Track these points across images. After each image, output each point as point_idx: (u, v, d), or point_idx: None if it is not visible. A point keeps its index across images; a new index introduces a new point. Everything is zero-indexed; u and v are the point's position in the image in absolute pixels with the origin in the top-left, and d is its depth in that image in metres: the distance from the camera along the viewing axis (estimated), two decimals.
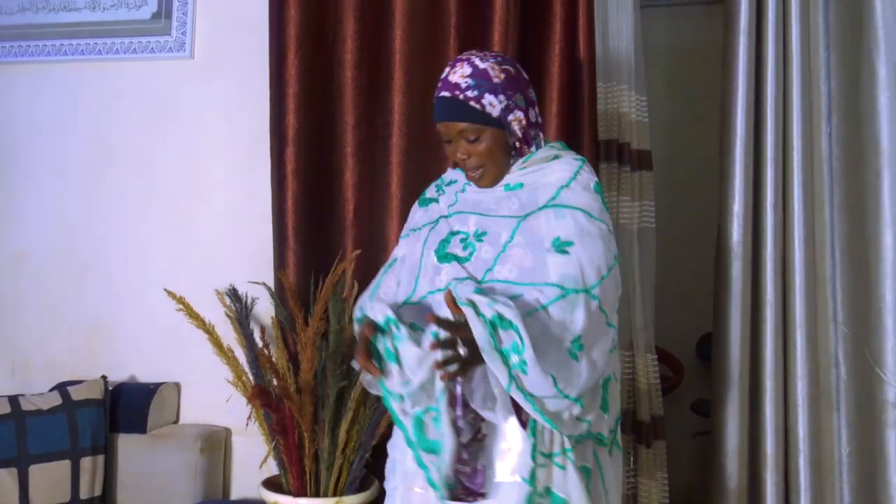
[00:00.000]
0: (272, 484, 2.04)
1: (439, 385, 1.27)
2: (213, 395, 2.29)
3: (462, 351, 1.22)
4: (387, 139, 2.23)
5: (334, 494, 1.97)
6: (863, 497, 1.94)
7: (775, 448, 1.94)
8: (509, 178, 1.45)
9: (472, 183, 1.48)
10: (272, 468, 2.12)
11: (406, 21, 2.20)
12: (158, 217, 2.47)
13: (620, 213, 2.07)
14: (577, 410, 1.27)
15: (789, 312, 1.96)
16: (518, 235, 1.37)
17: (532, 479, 1.27)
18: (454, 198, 1.49)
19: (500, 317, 1.22)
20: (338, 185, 2.26)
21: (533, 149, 1.46)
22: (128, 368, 2.46)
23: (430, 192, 1.57)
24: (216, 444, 2.32)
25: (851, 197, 1.98)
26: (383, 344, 1.31)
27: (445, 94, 1.41)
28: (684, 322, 3.12)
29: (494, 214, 1.41)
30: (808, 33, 1.98)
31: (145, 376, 2.45)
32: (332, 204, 2.26)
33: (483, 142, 1.40)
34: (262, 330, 2.12)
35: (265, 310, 2.26)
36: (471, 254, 1.39)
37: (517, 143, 1.44)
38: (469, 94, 1.39)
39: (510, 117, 1.41)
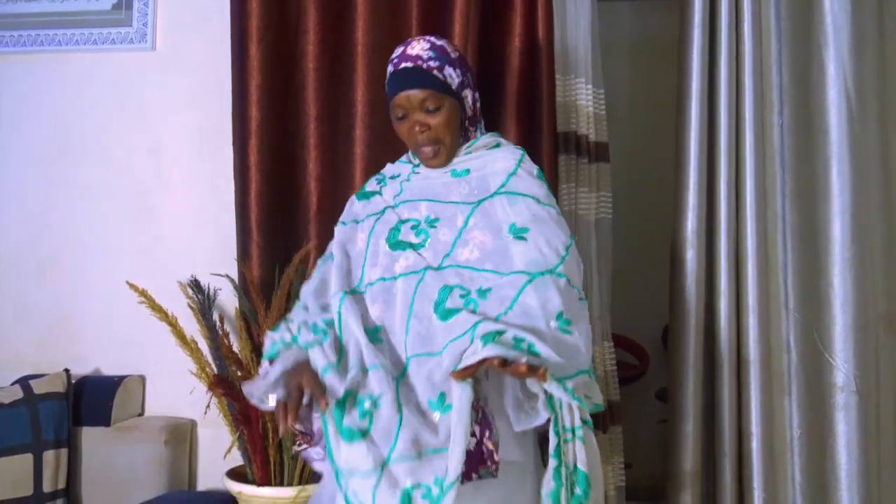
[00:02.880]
0: (237, 474, 2.05)
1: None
2: (178, 388, 2.29)
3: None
4: (350, 131, 2.24)
5: (299, 484, 1.99)
6: (813, 477, 1.99)
7: (729, 431, 1.99)
8: (455, 164, 1.49)
9: (418, 169, 1.50)
10: (239, 459, 2.14)
11: (368, 12, 2.21)
12: (122, 210, 2.46)
13: (578, 204, 2.10)
14: (590, 379, 1.31)
15: (742, 299, 2.00)
16: (473, 218, 1.41)
17: (557, 453, 1.27)
18: (399, 188, 1.52)
19: (497, 333, 1.24)
20: (301, 177, 2.27)
21: (477, 133, 1.54)
22: (93, 362, 2.46)
23: (371, 185, 1.59)
24: (181, 437, 2.32)
25: (802, 187, 2.03)
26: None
27: (407, 64, 1.46)
28: (650, 311, 3.16)
29: (446, 200, 1.45)
30: (760, 28, 2.02)
31: (110, 369, 2.44)
32: (296, 195, 2.27)
33: (442, 112, 1.44)
34: (222, 320, 2.12)
35: (230, 301, 2.27)
36: (424, 240, 1.41)
37: (466, 123, 1.51)
38: (431, 63, 1.44)
39: (465, 92, 1.49)
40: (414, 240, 1.42)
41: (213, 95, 2.37)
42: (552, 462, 1.28)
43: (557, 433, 1.28)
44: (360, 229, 1.51)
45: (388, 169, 1.61)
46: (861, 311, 1.96)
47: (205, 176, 2.42)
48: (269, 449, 1.98)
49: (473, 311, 1.31)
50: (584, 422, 1.30)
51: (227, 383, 1.89)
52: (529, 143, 2.09)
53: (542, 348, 1.23)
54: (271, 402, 1.30)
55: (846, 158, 1.97)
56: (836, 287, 1.97)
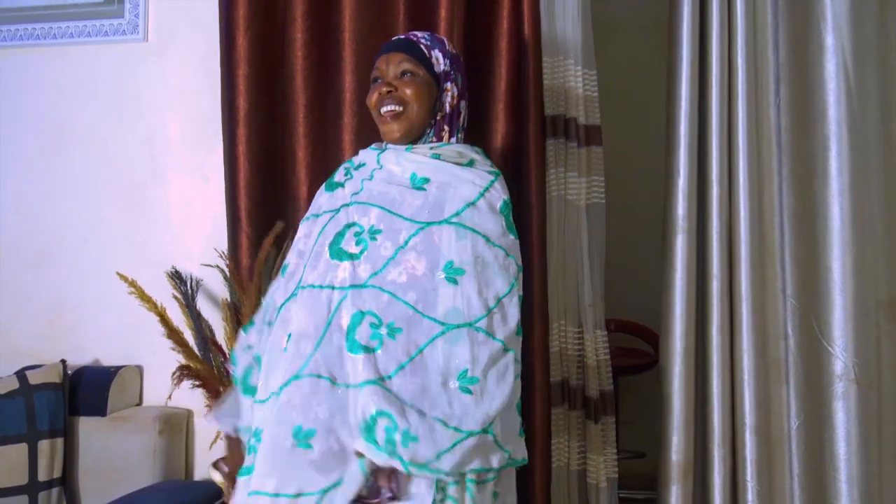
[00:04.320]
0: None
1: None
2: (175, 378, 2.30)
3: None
4: (338, 119, 2.21)
5: None
6: (812, 468, 1.93)
7: (721, 421, 1.93)
8: (418, 165, 1.42)
9: (383, 158, 1.46)
10: None
11: None
12: (116, 201, 2.47)
13: (568, 189, 2.05)
14: (489, 440, 1.25)
15: (735, 285, 1.94)
16: (415, 239, 1.35)
17: None
18: (359, 185, 1.46)
19: (371, 419, 1.24)
20: (290, 166, 2.25)
21: (452, 140, 1.48)
22: (91, 352, 2.47)
23: (339, 175, 1.54)
24: (176, 426, 2.33)
25: (800, 167, 1.95)
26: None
27: (400, 37, 1.51)
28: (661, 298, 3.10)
29: (397, 213, 1.38)
30: (755, 4, 1.95)
31: (109, 360, 2.46)
32: (285, 184, 2.25)
33: (416, 82, 1.43)
34: (191, 311, 2.11)
35: (222, 292, 2.27)
36: (362, 251, 1.36)
37: (440, 117, 1.46)
38: (423, 41, 1.48)
39: (448, 84, 1.47)
40: (353, 249, 1.37)
41: (205, 85, 2.36)
42: None
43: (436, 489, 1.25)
44: (315, 224, 1.47)
45: (358, 156, 1.56)
46: (860, 298, 1.88)
47: (198, 166, 2.42)
48: None
49: (374, 350, 1.28)
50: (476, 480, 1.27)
51: (194, 373, 1.88)
52: (517, 127, 2.06)
53: (419, 431, 1.21)
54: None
55: (845, 137, 1.89)
56: (835, 272, 1.90)
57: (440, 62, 1.46)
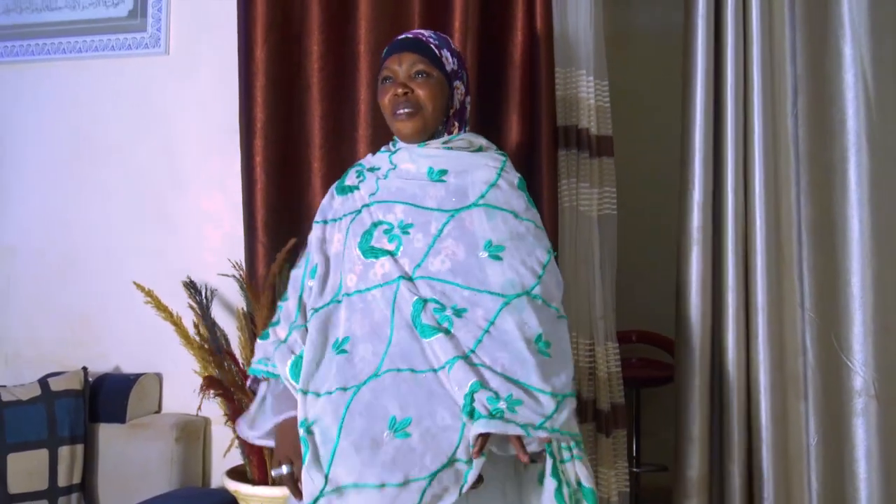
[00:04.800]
0: (238, 473, 2.07)
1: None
2: (193, 386, 2.32)
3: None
4: (353, 131, 2.23)
5: None
6: (831, 486, 1.89)
7: (738, 436, 1.90)
8: (432, 159, 1.44)
9: (395, 158, 1.47)
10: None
11: (370, 10, 2.19)
12: (138, 211, 2.51)
13: (580, 200, 2.03)
14: (573, 402, 1.27)
15: (751, 298, 1.91)
16: (448, 227, 1.37)
17: (556, 473, 1.24)
18: (375, 185, 1.47)
19: (467, 397, 1.22)
20: (306, 177, 2.27)
21: (461, 131, 1.52)
22: (113, 360, 2.52)
23: (350, 178, 1.54)
24: (193, 434, 2.35)
25: (818, 178, 1.92)
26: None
27: (408, 35, 1.51)
28: None
29: (421, 205, 1.40)
30: (771, 15, 1.92)
31: (130, 367, 2.50)
32: (301, 195, 2.27)
33: (430, 83, 1.44)
34: (212, 321, 2.13)
35: (238, 301, 2.29)
36: (398, 247, 1.37)
37: (451, 114, 1.49)
38: (432, 41, 1.49)
39: (457, 82, 1.49)
40: (388, 246, 1.38)
41: (225, 98, 2.38)
42: (551, 483, 1.24)
43: (552, 453, 1.25)
44: (337, 228, 1.48)
45: (368, 160, 1.57)
46: (881, 312, 1.84)
47: (218, 177, 2.45)
48: (266, 449, 1.98)
49: (448, 331, 1.29)
50: (577, 442, 1.27)
51: (218, 384, 1.90)
52: (529, 138, 2.05)
53: (521, 397, 1.21)
54: (284, 470, 1.35)
55: (864, 147, 1.86)
56: (854, 285, 1.86)
57: (449, 61, 1.48)
